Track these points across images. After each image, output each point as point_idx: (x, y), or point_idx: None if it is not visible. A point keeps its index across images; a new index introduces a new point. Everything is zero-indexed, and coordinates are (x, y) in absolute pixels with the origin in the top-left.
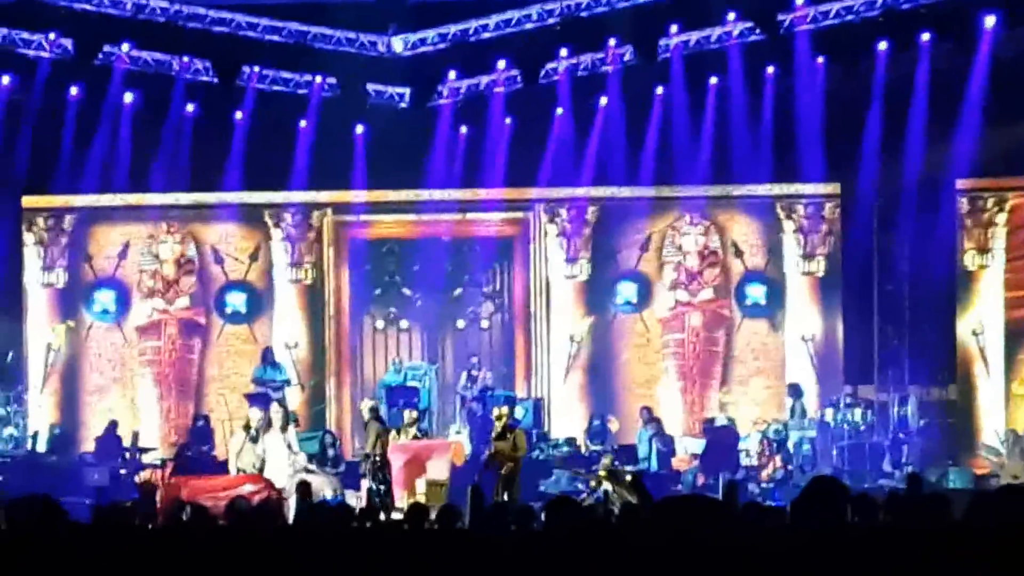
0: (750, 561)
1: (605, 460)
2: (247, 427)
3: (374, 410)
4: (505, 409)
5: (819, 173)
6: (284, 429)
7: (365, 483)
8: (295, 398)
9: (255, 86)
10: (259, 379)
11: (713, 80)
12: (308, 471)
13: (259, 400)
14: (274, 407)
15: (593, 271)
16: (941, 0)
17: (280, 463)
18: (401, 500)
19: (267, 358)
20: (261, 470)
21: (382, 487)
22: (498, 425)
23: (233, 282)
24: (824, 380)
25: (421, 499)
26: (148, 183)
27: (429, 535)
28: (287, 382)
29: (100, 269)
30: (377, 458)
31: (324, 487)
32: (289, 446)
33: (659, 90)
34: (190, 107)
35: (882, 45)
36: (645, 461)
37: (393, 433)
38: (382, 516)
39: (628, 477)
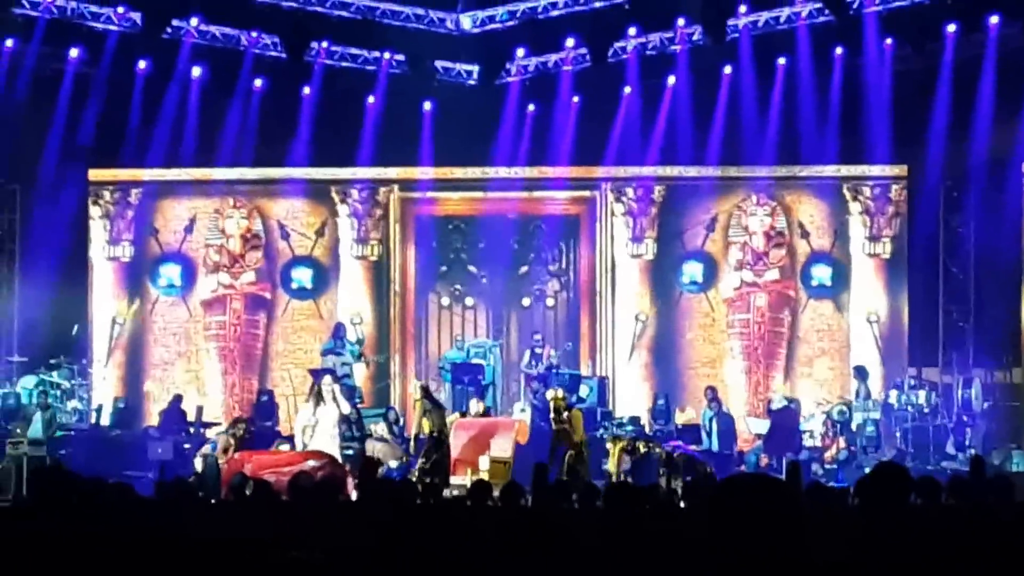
0: (813, 541)
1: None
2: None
3: (424, 388)
4: (560, 392)
5: (886, 154)
6: (337, 402)
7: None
8: (359, 374)
9: (323, 62)
10: (328, 351)
11: (781, 60)
12: (376, 438)
13: (324, 375)
14: (325, 379)
15: (659, 250)
16: None
17: (325, 436)
18: (465, 477)
19: (338, 333)
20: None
21: (427, 466)
22: (553, 407)
23: (299, 257)
24: (888, 362)
25: (484, 476)
26: (215, 158)
27: (491, 511)
28: (357, 357)
29: (166, 243)
30: (424, 436)
31: (389, 456)
32: (346, 418)
33: (727, 70)
34: (258, 82)
35: (951, 27)
36: (707, 439)
37: (455, 415)
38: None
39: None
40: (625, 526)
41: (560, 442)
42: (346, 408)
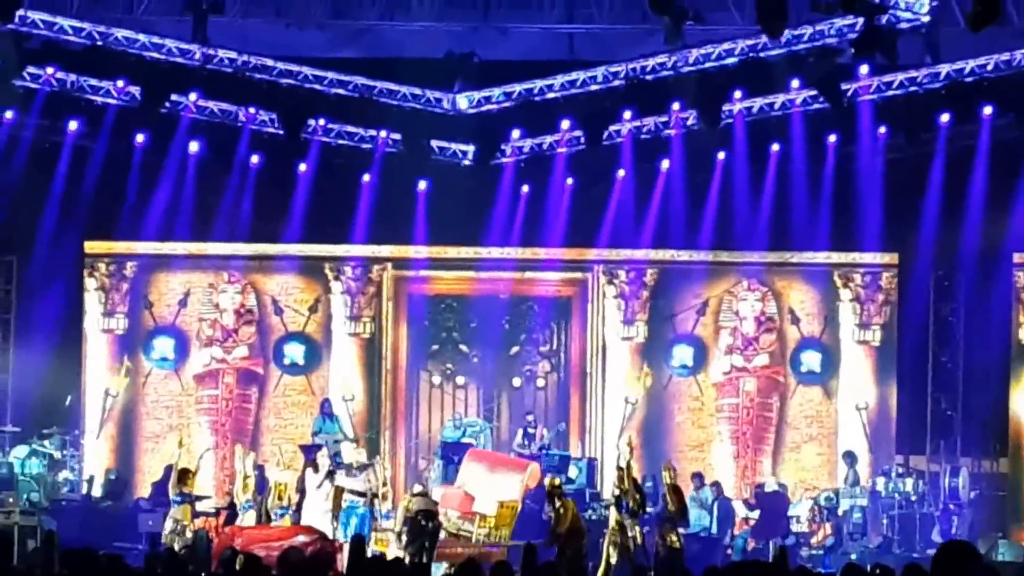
0: None
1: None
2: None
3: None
4: (558, 480)
5: (877, 242)
6: (329, 476)
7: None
8: (349, 452)
9: (320, 139)
10: (318, 432)
11: (774, 147)
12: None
13: (314, 451)
14: (321, 451)
15: (650, 333)
16: (1004, 75)
17: (317, 510)
18: (473, 521)
19: (324, 409)
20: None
21: (414, 547)
22: (547, 493)
23: (292, 333)
24: (876, 449)
25: (492, 520)
26: (210, 232)
27: None
28: (344, 436)
29: (160, 316)
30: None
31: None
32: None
33: (720, 155)
34: (255, 158)
35: (944, 117)
36: (697, 524)
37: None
38: None
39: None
40: None
41: (556, 539)
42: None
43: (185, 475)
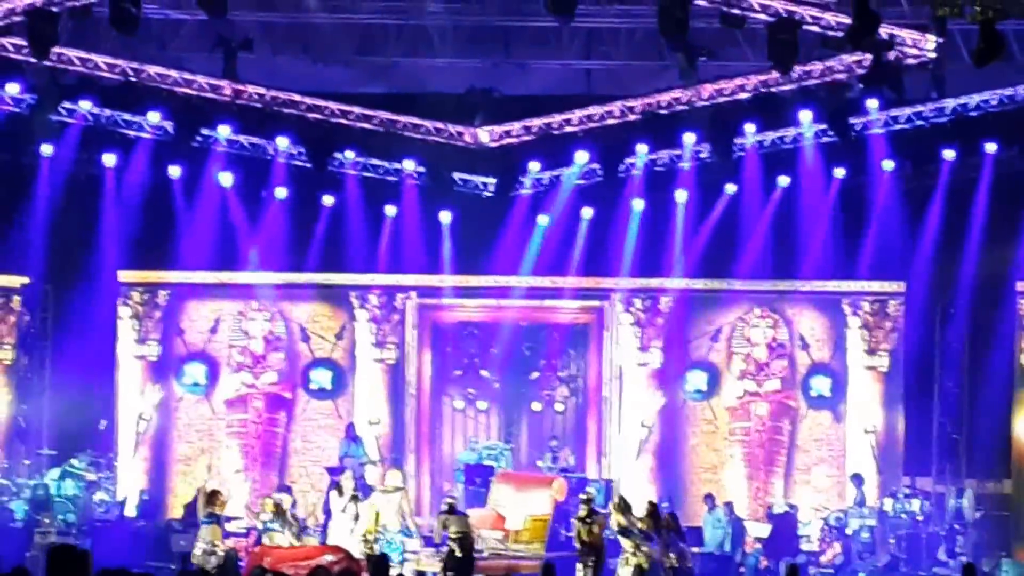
0: None
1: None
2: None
3: (450, 505)
4: (593, 491)
5: (885, 271)
6: (354, 500)
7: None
8: (374, 474)
9: (346, 171)
10: (345, 455)
11: (785, 178)
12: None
13: (340, 472)
14: (345, 475)
15: (665, 359)
16: (1007, 109)
17: (344, 531)
18: (513, 520)
19: (349, 433)
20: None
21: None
22: (584, 507)
23: (319, 359)
24: (884, 471)
25: (525, 535)
26: (240, 261)
27: None
28: (369, 459)
29: (191, 343)
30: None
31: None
32: (356, 516)
33: (733, 187)
34: (283, 190)
35: (949, 151)
36: (712, 543)
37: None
38: None
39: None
40: None
41: (584, 547)
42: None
43: (214, 496)
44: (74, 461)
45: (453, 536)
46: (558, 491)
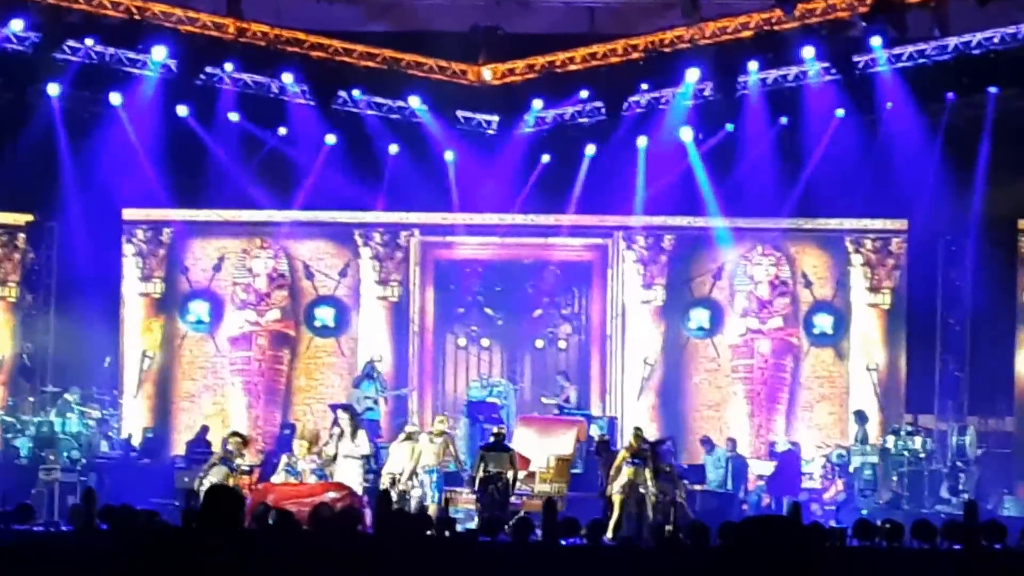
0: None
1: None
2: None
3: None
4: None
5: (888, 209)
6: (352, 436)
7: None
8: (382, 410)
9: (350, 109)
10: (357, 386)
11: (788, 117)
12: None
13: (340, 409)
14: (340, 414)
15: (668, 297)
16: (1010, 47)
17: (348, 470)
18: (538, 462)
19: (366, 370)
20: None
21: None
22: (635, 441)
23: (323, 297)
24: (886, 408)
25: (550, 474)
26: (244, 199)
27: (500, 546)
28: (376, 398)
29: (195, 281)
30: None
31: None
32: (360, 453)
33: (736, 125)
34: (283, 129)
35: (952, 89)
36: (713, 482)
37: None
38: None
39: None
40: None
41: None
42: (365, 447)
43: (246, 443)
44: (68, 396)
45: (489, 474)
46: (581, 433)
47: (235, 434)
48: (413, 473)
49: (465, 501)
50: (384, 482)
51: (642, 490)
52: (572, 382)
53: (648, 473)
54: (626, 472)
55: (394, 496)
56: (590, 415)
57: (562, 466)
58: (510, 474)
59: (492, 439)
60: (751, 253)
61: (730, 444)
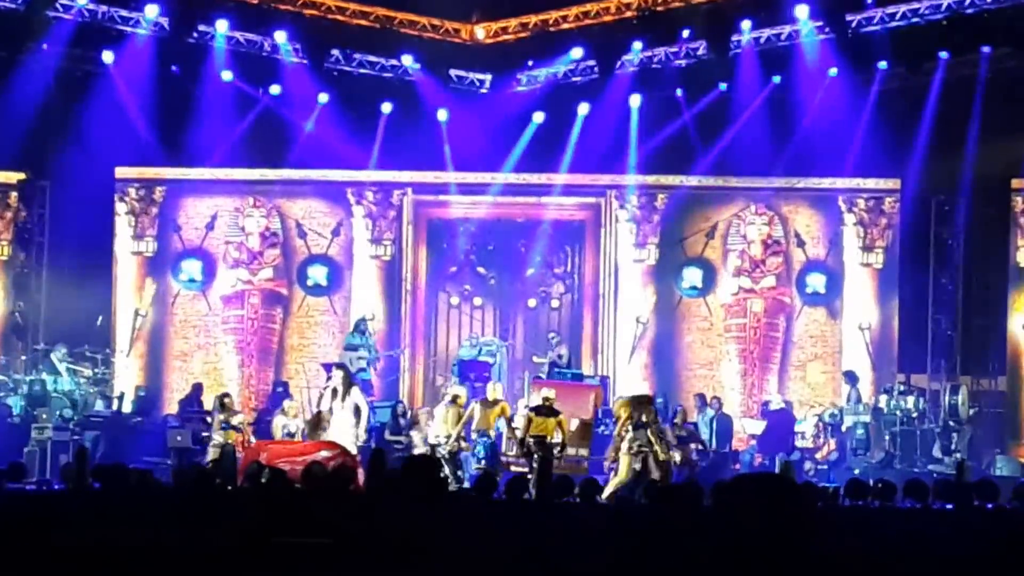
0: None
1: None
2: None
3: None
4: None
5: (880, 168)
6: (345, 396)
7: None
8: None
9: (342, 67)
10: (349, 346)
11: (781, 76)
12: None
13: (333, 368)
14: (334, 372)
15: (660, 256)
16: (1004, 7)
17: (342, 428)
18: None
19: (359, 327)
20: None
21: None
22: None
23: (315, 256)
24: (879, 367)
25: (575, 438)
26: (237, 158)
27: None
28: (370, 359)
29: (188, 239)
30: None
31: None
32: (356, 409)
33: (729, 84)
34: (276, 88)
35: (944, 50)
36: (708, 439)
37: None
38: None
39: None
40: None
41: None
42: (359, 401)
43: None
44: (53, 355)
45: (536, 438)
46: (598, 397)
47: (227, 395)
48: (460, 437)
49: (518, 466)
50: (430, 444)
51: (646, 450)
52: (563, 340)
53: (654, 437)
54: (631, 437)
55: (441, 457)
56: (581, 374)
57: (584, 430)
58: (558, 438)
59: (543, 401)
60: (744, 212)
61: (715, 403)
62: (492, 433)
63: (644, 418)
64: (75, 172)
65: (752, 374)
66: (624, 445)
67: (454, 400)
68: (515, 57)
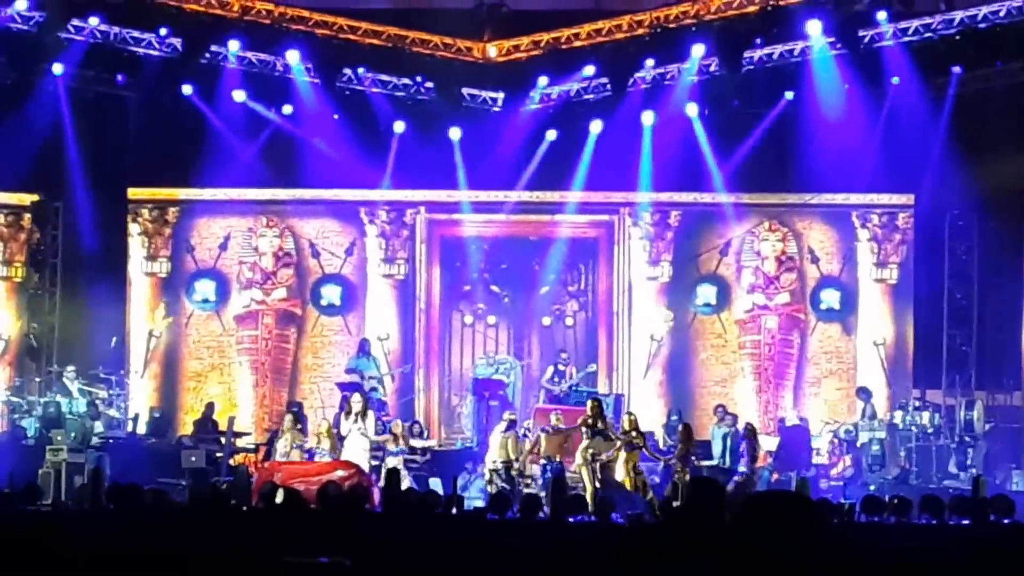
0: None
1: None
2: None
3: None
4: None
5: (894, 184)
6: (363, 417)
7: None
8: (385, 388)
9: (354, 87)
10: (352, 369)
11: (793, 92)
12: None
13: (350, 389)
14: (354, 396)
15: (674, 273)
16: (1016, 21)
17: (357, 449)
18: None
19: (363, 349)
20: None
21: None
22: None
23: (329, 275)
24: (894, 383)
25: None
26: (249, 178)
27: (509, 524)
28: (381, 377)
29: (201, 260)
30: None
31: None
32: (366, 434)
33: (741, 100)
34: (288, 108)
35: (958, 64)
36: (720, 459)
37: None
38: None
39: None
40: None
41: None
42: (372, 431)
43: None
44: (65, 376)
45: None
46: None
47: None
48: (514, 462)
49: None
50: (487, 470)
51: (603, 458)
52: (572, 359)
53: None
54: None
55: (496, 486)
56: (597, 393)
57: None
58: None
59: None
60: (758, 229)
61: (731, 420)
62: (557, 458)
63: (599, 425)
64: (88, 193)
65: (767, 391)
66: (578, 457)
67: (511, 426)
68: (527, 75)
